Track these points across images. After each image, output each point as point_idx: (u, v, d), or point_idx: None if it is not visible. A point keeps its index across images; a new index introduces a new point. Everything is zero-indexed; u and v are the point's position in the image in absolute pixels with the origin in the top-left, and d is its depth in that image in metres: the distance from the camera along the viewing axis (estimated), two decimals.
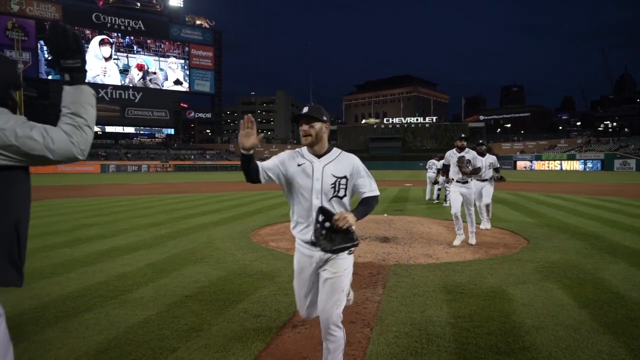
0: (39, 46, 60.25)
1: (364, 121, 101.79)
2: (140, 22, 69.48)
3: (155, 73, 71.19)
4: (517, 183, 25.12)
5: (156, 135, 75.16)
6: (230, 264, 5.40)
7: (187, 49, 73.26)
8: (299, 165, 2.36)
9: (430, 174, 14.45)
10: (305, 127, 2.32)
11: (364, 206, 2.32)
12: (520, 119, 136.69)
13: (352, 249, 2.29)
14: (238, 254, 6.01)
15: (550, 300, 3.97)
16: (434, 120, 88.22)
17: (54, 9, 62.27)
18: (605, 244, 6.56)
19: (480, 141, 8.78)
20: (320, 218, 2.19)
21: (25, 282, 4.67)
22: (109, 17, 67.10)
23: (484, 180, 8.11)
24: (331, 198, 2.31)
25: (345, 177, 2.33)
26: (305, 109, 2.35)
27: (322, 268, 2.37)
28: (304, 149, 2.42)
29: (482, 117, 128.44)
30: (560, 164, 61.02)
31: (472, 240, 6.77)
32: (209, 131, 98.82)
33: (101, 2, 66.67)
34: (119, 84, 68.11)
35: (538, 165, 63.18)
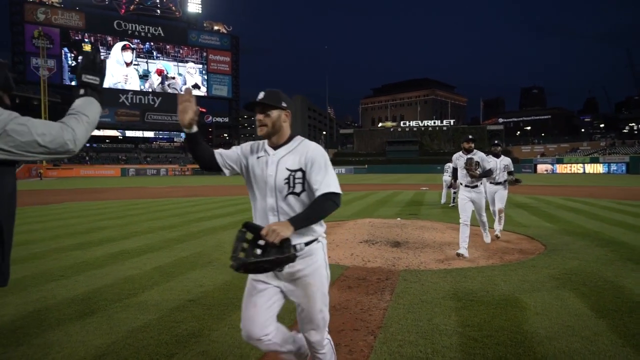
0: (63, 53, 62.18)
1: (380, 124, 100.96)
2: (159, 28, 71.04)
3: (174, 78, 72.56)
4: (537, 187, 24.51)
5: (175, 140, 76.44)
6: None
7: (205, 54, 74.46)
8: (258, 158, 2.10)
9: (447, 177, 14.22)
10: (260, 116, 2.01)
11: (312, 208, 1.92)
12: (541, 122, 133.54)
13: (285, 264, 1.82)
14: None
15: (565, 309, 3.77)
16: (452, 123, 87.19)
17: (78, 17, 64.24)
18: (627, 251, 6.26)
19: (496, 141, 8.50)
20: (249, 237, 1.84)
21: (33, 284, 4.72)
22: (130, 24, 68.80)
23: (497, 184, 7.82)
24: (287, 195, 1.99)
25: (300, 169, 1.98)
26: (261, 95, 2.02)
27: (292, 289, 2.07)
28: (266, 141, 2.12)
29: (501, 120, 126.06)
30: (583, 167, 59.36)
31: (487, 239, 6.57)
32: (226, 135, 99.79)
33: (122, 10, 68.36)
34: (139, 89, 69.65)
35: (560, 168, 61.62)
